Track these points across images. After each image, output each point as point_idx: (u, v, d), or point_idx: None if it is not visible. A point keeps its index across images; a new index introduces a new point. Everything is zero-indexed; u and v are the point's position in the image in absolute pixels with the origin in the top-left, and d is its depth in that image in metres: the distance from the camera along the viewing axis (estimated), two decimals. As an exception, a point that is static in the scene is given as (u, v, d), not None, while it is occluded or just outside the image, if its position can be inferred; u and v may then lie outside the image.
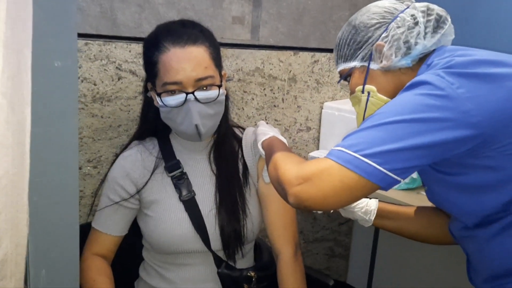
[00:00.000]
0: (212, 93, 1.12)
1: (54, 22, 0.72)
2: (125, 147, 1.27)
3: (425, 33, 0.97)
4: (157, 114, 1.17)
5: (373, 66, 1.00)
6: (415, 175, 1.56)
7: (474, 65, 0.84)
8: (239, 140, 1.27)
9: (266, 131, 1.17)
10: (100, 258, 1.21)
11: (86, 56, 1.38)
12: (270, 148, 1.07)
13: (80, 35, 1.36)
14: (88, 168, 1.45)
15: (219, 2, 1.60)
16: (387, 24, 0.99)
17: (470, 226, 0.96)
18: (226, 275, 1.18)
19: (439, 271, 1.79)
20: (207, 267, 1.20)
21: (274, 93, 1.78)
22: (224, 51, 1.60)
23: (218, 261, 1.19)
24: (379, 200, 1.21)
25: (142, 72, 1.39)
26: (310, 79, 1.85)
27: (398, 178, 0.81)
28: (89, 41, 1.38)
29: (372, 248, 2.04)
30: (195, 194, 1.19)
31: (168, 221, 1.17)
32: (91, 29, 1.39)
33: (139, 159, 1.22)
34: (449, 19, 0.99)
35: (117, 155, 1.26)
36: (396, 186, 1.55)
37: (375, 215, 1.19)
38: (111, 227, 1.21)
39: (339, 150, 0.83)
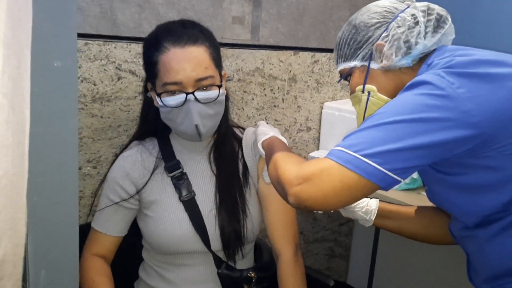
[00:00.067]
0: (212, 93, 1.12)
1: (54, 22, 0.72)
2: (125, 147, 1.26)
3: (426, 33, 0.97)
4: (157, 114, 1.17)
5: (374, 65, 1.00)
6: (415, 175, 1.56)
7: (475, 65, 0.84)
8: (239, 140, 1.27)
9: (266, 131, 1.17)
10: (99, 259, 1.20)
11: (86, 56, 1.38)
12: (270, 148, 1.07)
13: (80, 35, 1.36)
14: (88, 168, 1.45)
15: (219, 2, 1.60)
16: (387, 24, 0.99)
17: (470, 226, 0.96)
18: (226, 276, 1.18)
19: (440, 271, 1.79)
20: (207, 267, 1.20)
21: (274, 93, 1.78)
22: (224, 51, 1.60)
23: (218, 261, 1.19)
24: (379, 200, 1.21)
25: (142, 72, 1.39)
26: (310, 79, 1.85)
27: (398, 178, 0.81)
28: (89, 41, 1.38)
29: (373, 248, 2.04)
30: (195, 195, 1.19)
31: (168, 221, 1.17)
32: (91, 29, 1.39)
33: (139, 159, 1.22)
34: (450, 19, 0.99)
35: (117, 155, 1.26)
36: (396, 187, 1.55)
37: (375, 215, 1.18)
38: (110, 227, 1.20)
39: (339, 150, 0.82)
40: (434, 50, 0.98)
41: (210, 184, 1.22)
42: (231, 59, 1.64)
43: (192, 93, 1.09)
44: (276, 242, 1.23)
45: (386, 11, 1.00)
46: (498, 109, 0.81)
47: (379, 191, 1.30)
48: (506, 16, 1.67)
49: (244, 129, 1.30)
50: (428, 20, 0.97)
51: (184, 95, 1.09)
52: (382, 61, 0.99)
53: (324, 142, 1.90)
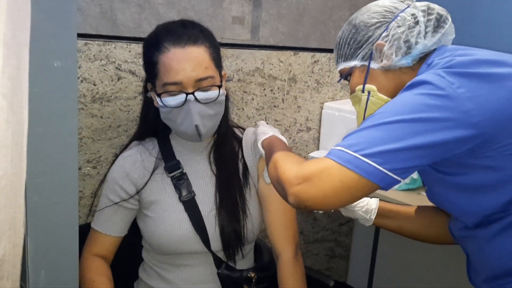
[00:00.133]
0: (212, 93, 1.12)
1: (54, 22, 0.72)
2: (124, 148, 1.26)
3: (426, 33, 0.97)
4: (157, 115, 1.17)
5: (374, 65, 1.00)
6: (415, 175, 1.56)
7: (475, 65, 0.84)
8: (239, 141, 1.27)
9: (266, 131, 1.17)
10: (99, 259, 1.20)
11: (86, 56, 1.38)
12: (270, 147, 1.07)
13: (80, 35, 1.36)
14: (88, 168, 1.45)
15: (219, 2, 1.59)
16: (387, 24, 0.99)
17: (470, 226, 0.96)
18: (226, 276, 1.18)
19: (440, 271, 1.79)
20: (207, 268, 1.20)
21: (274, 93, 1.77)
22: (224, 51, 1.59)
23: (218, 262, 1.19)
24: (379, 199, 1.21)
25: (142, 72, 1.39)
26: (310, 79, 1.85)
27: (398, 178, 0.81)
28: (88, 41, 1.37)
29: (373, 248, 2.04)
30: (195, 195, 1.19)
31: (168, 221, 1.17)
32: (91, 29, 1.39)
33: (139, 160, 1.21)
34: (450, 19, 0.99)
35: (116, 156, 1.25)
36: (396, 187, 1.56)
37: (375, 214, 1.18)
38: (110, 227, 1.20)
39: (339, 149, 0.82)
40: (434, 49, 0.98)
41: (210, 184, 1.22)
42: (231, 59, 1.64)
43: (192, 93, 1.09)
44: (276, 242, 1.22)
45: (386, 10, 1.00)
46: (498, 109, 0.81)
47: (379, 191, 1.30)
48: (506, 16, 1.67)
49: (244, 129, 1.30)
50: (428, 20, 0.97)
51: (184, 95, 1.09)
52: (382, 60, 0.99)
53: (324, 142, 1.90)
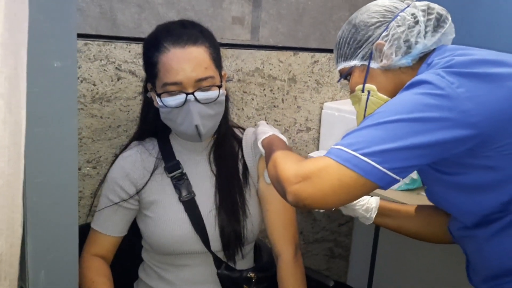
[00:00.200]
0: (212, 93, 1.12)
1: (54, 22, 0.72)
2: (124, 148, 1.26)
3: (426, 32, 0.97)
4: (157, 115, 1.17)
5: (373, 65, 1.00)
6: (415, 175, 1.56)
7: (475, 65, 0.84)
8: (239, 141, 1.27)
9: (266, 130, 1.17)
10: (99, 259, 1.20)
11: (86, 56, 1.38)
12: (270, 146, 1.07)
13: (80, 36, 1.35)
14: (88, 168, 1.45)
15: (219, 2, 1.59)
16: (387, 23, 0.99)
17: (469, 226, 0.96)
18: (226, 276, 1.18)
19: (439, 272, 1.79)
20: (207, 268, 1.20)
21: (274, 94, 1.77)
22: (224, 52, 1.59)
23: (217, 262, 1.19)
24: (380, 198, 1.21)
25: (141, 73, 1.38)
26: (310, 80, 1.85)
27: (397, 177, 0.81)
28: (88, 42, 1.37)
29: (372, 249, 2.04)
30: (195, 195, 1.19)
31: (167, 221, 1.17)
32: (91, 29, 1.39)
33: (138, 160, 1.21)
34: (450, 18, 0.99)
35: (116, 156, 1.25)
36: (396, 187, 1.56)
37: (376, 213, 1.18)
38: (110, 227, 1.20)
39: (338, 148, 0.83)
40: (434, 49, 0.98)
41: (210, 184, 1.22)
42: (230, 59, 1.64)
43: (192, 93, 1.09)
44: (276, 242, 1.22)
45: (386, 10, 1.00)
46: (497, 109, 0.81)
47: (379, 191, 1.30)
48: (506, 15, 1.67)
49: (244, 129, 1.30)
50: (428, 20, 0.97)
51: (184, 95, 1.09)
52: (382, 60, 0.99)
53: (324, 142, 1.90)
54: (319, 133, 1.92)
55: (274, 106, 1.79)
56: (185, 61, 1.09)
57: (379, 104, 0.96)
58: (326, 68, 1.88)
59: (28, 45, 0.69)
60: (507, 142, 0.83)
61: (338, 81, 1.09)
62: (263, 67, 1.72)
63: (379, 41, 0.99)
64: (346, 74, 1.05)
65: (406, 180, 1.56)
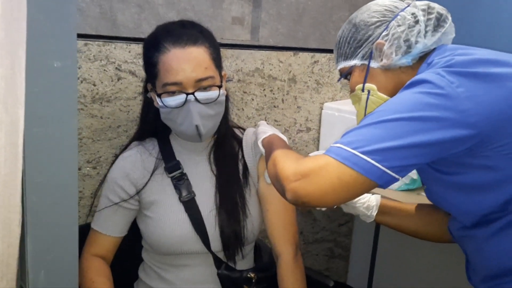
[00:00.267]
0: (213, 93, 1.12)
1: (54, 22, 0.72)
2: (124, 148, 1.26)
3: (426, 32, 0.97)
4: (157, 115, 1.17)
5: (374, 64, 1.00)
6: (415, 176, 1.56)
7: (475, 65, 0.84)
8: (239, 141, 1.27)
9: (266, 130, 1.17)
10: (99, 259, 1.20)
11: (86, 56, 1.38)
12: (270, 145, 1.08)
13: (80, 36, 1.35)
14: (88, 168, 1.45)
15: (219, 2, 1.59)
16: (387, 23, 0.99)
17: (468, 226, 0.96)
18: (226, 276, 1.18)
19: (440, 272, 1.79)
20: (207, 268, 1.20)
21: (274, 94, 1.77)
22: (224, 52, 1.59)
23: (218, 262, 1.19)
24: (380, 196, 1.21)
25: (141, 73, 1.38)
26: (310, 80, 1.85)
27: (396, 176, 0.81)
28: (88, 42, 1.37)
29: (372, 249, 2.04)
30: (195, 195, 1.19)
31: (168, 222, 1.17)
32: (91, 29, 1.39)
33: (139, 160, 1.21)
34: (450, 18, 0.99)
35: (116, 156, 1.25)
36: (396, 187, 1.56)
37: (377, 211, 1.19)
38: (110, 228, 1.20)
39: (338, 147, 0.83)
40: (434, 49, 0.98)
41: (210, 184, 1.21)
42: (230, 59, 1.64)
43: (192, 93, 1.09)
44: (276, 243, 1.22)
45: (386, 10, 1.00)
46: (496, 109, 0.81)
47: (379, 191, 1.29)
48: (506, 15, 1.67)
49: (244, 129, 1.30)
50: (428, 19, 0.97)
51: (184, 95, 1.09)
52: (382, 60, 0.99)
53: (324, 142, 1.90)
54: (319, 133, 1.92)
55: (274, 106, 1.79)
56: (185, 61, 1.09)
57: (379, 104, 0.96)
58: (326, 68, 1.88)
59: (28, 45, 0.69)
60: (506, 142, 0.83)
61: (338, 80, 1.09)
62: (263, 67, 1.72)
63: (379, 40, 0.99)
64: (346, 74, 1.05)
65: (406, 180, 1.56)
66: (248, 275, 1.19)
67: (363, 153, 0.80)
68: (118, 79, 1.44)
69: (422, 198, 1.35)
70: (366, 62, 1.01)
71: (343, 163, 0.81)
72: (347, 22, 1.05)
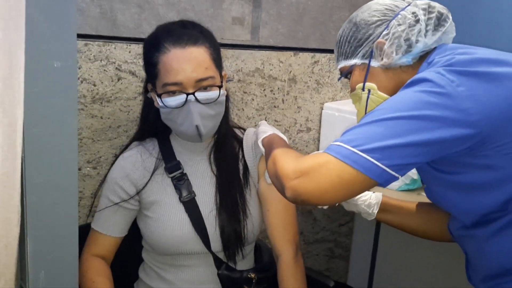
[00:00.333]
0: (213, 93, 1.12)
1: (54, 23, 0.72)
2: (125, 148, 1.26)
3: (426, 31, 0.97)
4: (157, 115, 1.17)
5: (374, 63, 1.00)
6: (415, 176, 1.56)
7: (475, 64, 0.84)
8: (240, 141, 1.27)
9: (267, 130, 1.17)
10: (99, 259, 1.20)
11: (86, 56, 1.38)
12: (270, 145, 1.08)
13: (80, 36, 1.35)
14: (88, 169, 1.45)
15: (219, 2, 1.59)
16: (388, 22, 0.99)
17: (468, 225, 0.96)
18: (226, 277, 1.18)
19: (440, 272, 1.79)
20: (207, 268, 1.20)
21: (274, 94, 1.77)
22: (224, 52, 1.59)
23: (218, 262, 1.19)
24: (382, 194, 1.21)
25: (142, 73, 1.38)
26: (310, 80, 1.85)
27: (396, 175, 0.81)
28: (88, 42, 1.37)
29: (373, 249, 2.03)
30: (195, 195, 1.19)
31: (168, 222, 1.17)
32: (91, 29, 1.39)
33: (139, 160, 1.21)
34: (450, 17, 0.99)
35: (117, 156, 1.25)
36: (396, 187, 1.56)
37: (378, 208, 1.19)
38: (110, 228, 1.20)
39: (338, 145, 0.83)
40: (435, 48, 0.98)
41: (210, 184, 1.21)
42: (231, 59, 1.64)
43: (193, 93, 1.09)
44: (276, 243, 1.22)
45: (386, 9, 1.00)
46: (496, 108, 0.81)
47: (379, 190, 1.29)
48: (507, 14, 1.67)
49: (244, 129, 1.30)
50: (429, 18, 0.97)
51: (184, 95, 1.09)
52: (382, 59, 0.99)
53: (324, 142, 1.90)
54: (319, 134, 1.92)
55: (275, 107, 1.79)
56: (185, 62, 1.09)
57: (380, 103, 0.96)
58: (326, 68, 1.88)
59: (29, 45, 0.69)
60: (507, 142, 0.83)
61: (339, 79, 1.09)
62: (263, 67, 1.72)
63: (379, 39, 0.99)
64: (346, 73, 1.05)
65: (406, 180, 1.56)
66: (249, 276, 1.19)
67: (363, 151, 0.80)
68: (118, 79, 1.44)
69: (422, 198, 1.35)
70: (366, 61, 1.01)
71: (343, 161, 0.81)
72: (348, 21, 1.05)
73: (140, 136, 1.27)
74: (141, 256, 1.29)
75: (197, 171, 1.22)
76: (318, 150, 1.94)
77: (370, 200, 1.19)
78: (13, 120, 0.68)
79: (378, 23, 1.00)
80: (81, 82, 1.38)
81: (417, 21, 0.97)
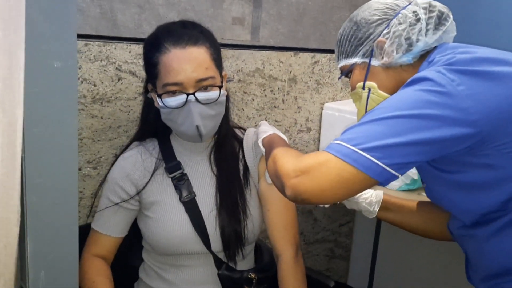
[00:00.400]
0: (213, 94, 1.12)
1: (54, 23, 0.72)
2: (125, 148, 1.26)
3: (427, 30, 0.97)
4: (157, 115, 1.17)
5: (374, 62, 1.00)
6: (416, 176, 1.56)
7: (476, 63, 0.84)
8: (240, 141, 1.27)
9: (267, 130, 1.17)
10: (99, 259, 1.20)
11: (86, 57, 1.38)
12: (270, 144, 1.08)
13: (80, 36, 1.35)
14: (88, 169, 1.45)
15: (219, 3, 1.59)
16: (388, 21, 0.99)
17: (468, 225, 0.96)
18: (227, 277, 1.18)
19: (440, 272, 1.79)
20: (207, 268, 1.20)
21: (274, 94, 1.77)
22: (224, 52, 1.59)
23: (218, 262, 1.19)
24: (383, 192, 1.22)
25: (142, 73, 1.38)
26: (310, 80, 1.85)
27: (396, 174, 0.81)
28: (89, 42, 1.37)
29: (373, 249, 2.03)
30: (195, 195, 1.19)
31: (168, 222, 1.17)
32: (91, 30, 1.39)
33: (139, 160, 1.21)
34: (451, 16, 0.99)
35: (117, 156, 1.25)
36: (396, 187, 1.56)
37: (379, 206, 1.19)
38: (111, 228, 1.20)
39: (338, 143, 0.83)
40: (435, 47, 0.98)
41: (210, 185, 1.21)
42: (231, 59, 1.64)
43: (193, 93, 1.09)
44: (276, 243, 1.22)
45: (387, 8, 1.00)
46: (496, 108, 0.81)
47: (379, 189, 1.29)
48: (507, 14, 1.67)
49: (245, 129, 1.30)
50: (430, 17, 0.97)
51: (184, 95, 1.09)
52: (383, 58, 0.99)
53: (324, 143, 1.90)
54: (319, 134, 1.92)
55: (275, 107, 1.79)
56: (185, 62, 1.09)
57: (380, 102, 0.96)
58: (326, 68, 1.88)
59: (29, 45, 0.69)
60: (507, 141, 0.83)
61: (339, 78, 1.09)
62: (264, 67, 1.72)
63: (380, 38, 0.99)
64: (347, 72, 1.05)
65: (407, 180, 1.56)
66: (249, 276, 1.19)
67: (363, 150, 0.80)
68: (119, 80, 1.44)
69: (423, 198, 1.35)
70: (367, 60, 1.01)
71: (343, 160, 0.81)
72: (348, 20, 1.05)
73: (140, 136, 1.27)
74: (141, 256, 1.29)
75: (197, 171, 1.22)
76: (318, 150, 1.94)
77: (371, 198, 1.19)
78: (13, 120, 0.68)
79: (379, 22, 0.99)
80: (81, 82, 1.38)
81: (418, 20, 0.97)
